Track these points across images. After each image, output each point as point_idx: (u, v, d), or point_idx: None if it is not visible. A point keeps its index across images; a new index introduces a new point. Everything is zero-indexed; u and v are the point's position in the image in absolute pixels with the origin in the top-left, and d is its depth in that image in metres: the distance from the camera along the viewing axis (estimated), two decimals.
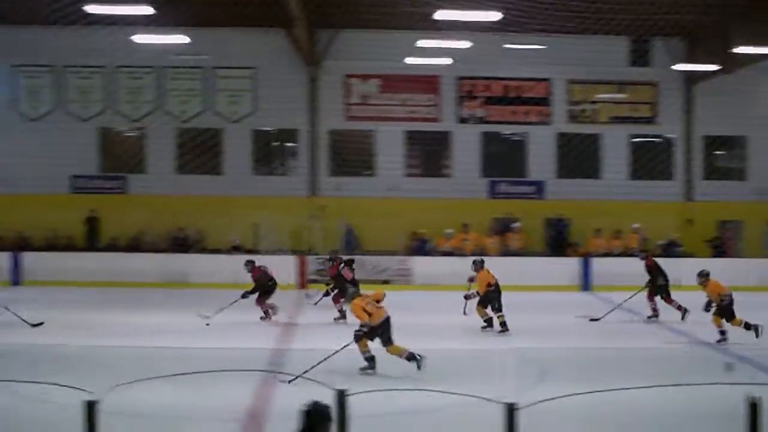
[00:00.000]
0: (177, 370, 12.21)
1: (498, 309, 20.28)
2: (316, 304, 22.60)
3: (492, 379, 12.75)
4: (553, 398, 9.09)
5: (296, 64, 31.37)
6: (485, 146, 32.43)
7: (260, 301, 21.56)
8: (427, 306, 23.94)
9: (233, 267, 24.36)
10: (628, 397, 11.67)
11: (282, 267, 27.20)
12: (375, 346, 15.42)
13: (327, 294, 22.22)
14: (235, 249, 29.13)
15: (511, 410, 7.90)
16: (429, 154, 33.01)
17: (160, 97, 32.08)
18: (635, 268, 22.66)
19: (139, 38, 27.15)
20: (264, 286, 21.61)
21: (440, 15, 22.22)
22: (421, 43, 28.00)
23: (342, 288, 21.28)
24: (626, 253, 28.55)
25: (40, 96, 32.12)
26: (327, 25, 30.45)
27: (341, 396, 8.13)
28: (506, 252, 29.62)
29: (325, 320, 21.25)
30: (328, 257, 23.57)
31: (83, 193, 31.69)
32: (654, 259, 22.98)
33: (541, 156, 32.41)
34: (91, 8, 22.15)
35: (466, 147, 32.25)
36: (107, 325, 20.34)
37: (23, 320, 19.66)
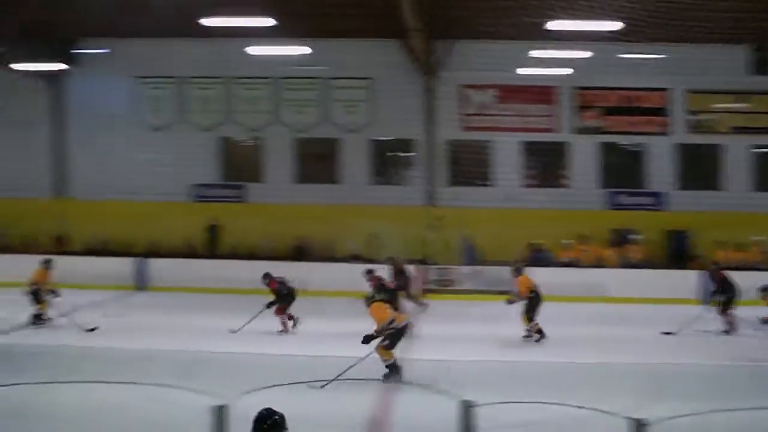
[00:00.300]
0: (300, 377, 12.32)
1: (531, 317, 20.19)
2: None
3: (609, 392, 12.58)
4: (687, 415, 8.94)
5: (412, 75, 31.45)
6: (603, 157, 32.05)
7: (279, 312, 21.23)
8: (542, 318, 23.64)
9: (351, 276, 24.52)
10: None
11: None
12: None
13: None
14: (354, 258, 29.28)
15: (640, 426, 7.75)
16: (546, 164, 32.75)
17: (278, 108, 32.49)
18: (758, 281, 22.08)
19: (258, 50, 27.53)
20: (282, 297, 21.32)
21: (554, 25, 22.06)
22: (537, 53, 27.83)
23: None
24: (748, 267, 27.85)
25: (163, 106, 32.85)
26: (443, 36, 30.42)
27: (467, 407, 8.12)
28: (625, 264, 29.21)
29: (446, 331, 21.18)
30: (366, 270, 22.27)
31: (203, 201, 32.28)
32: (724, 272, 22.44)
33: (660, 167, 31.86)
34: (212, 21, 22.51)
35: (583, 157, 31.92)
36: (228, 331, 20.61)
37: (78, 326, 19.99)
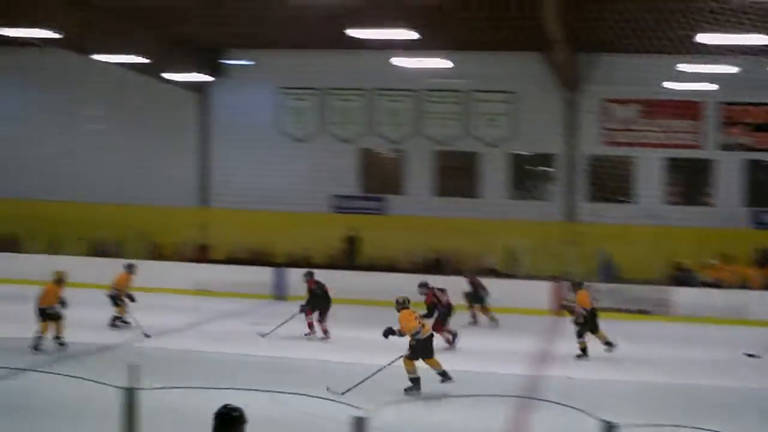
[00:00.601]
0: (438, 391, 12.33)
1: (581, 335, 19.84)
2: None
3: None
4: None
5: (554, 88, 31.13)
6: (748, 174, 31.18)
7: (310, 314, 21.33)
8: (681, 340, 23.07)
9: (489, 290, 24.47)
10: None
11: (536, 292, 27.18)
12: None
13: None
14: (490, 272, 29.15)
15: None
16: (689, 181, 32.05)
17: (418, 120, 32.59)
18: None
19: (400, 62, 27.68)
20: (316, 298, 21.37)
21: (703, 38, 21.57)
22: (683, 67, 27.28)
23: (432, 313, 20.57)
24: None
25: (305, 117, 33.30)
26: (586, 49, 29.96)
27: (609, 429, 7.95)
28: None
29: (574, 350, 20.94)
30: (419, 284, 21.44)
31: (343, 212, 32.58)
32: None
33: None
34: (355, 32, 22.73)
35: (728, 175, 31.07)
36: (367, 343, 20.72)
37: (140, 329, 20.66)
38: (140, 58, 27.17)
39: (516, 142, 31.90)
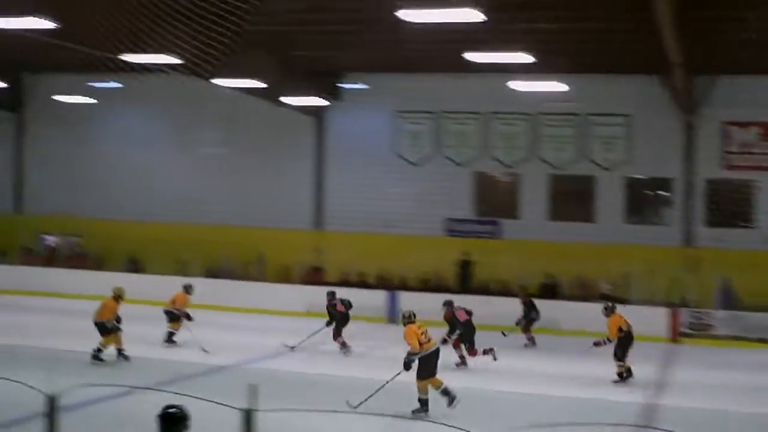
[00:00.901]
0: (557, 418, 12.22)
1: (620, 357, 19.62)
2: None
3: None
4: None
5: (672, 111, 30.63)
6: None
7: (336, 333, 22.77)
8: None
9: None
10: None
11: (653, 319, 26.73)
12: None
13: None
14: (604, 297, 28.78)
15: None
16: None
17: (534, 144, 32.41)
18: None
19: (517, 85, 27.61)
20: (335, 317, 22.79)
21: None
22: None
23: (453, 329, 21.06)
24: None
25: (420, 141, 33.40)
26: (705, 72, 29.42)
27: None
28: None
29: (705, 378, 20.52)
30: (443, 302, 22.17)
31: (456, 236, 32.54)
32: None
33: None
34: (473, 56, 22.76)
35: None
36: (482, 369, 20.70)
37: (199, 346, 21.32)
38: (259, 82, 27.59)
39: (632, 166, 31.48)
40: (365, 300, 28.93)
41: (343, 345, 22.59)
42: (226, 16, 17.19)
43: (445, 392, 15.39)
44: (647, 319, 26.46)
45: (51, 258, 36.38)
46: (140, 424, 7.51)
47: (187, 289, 23.25)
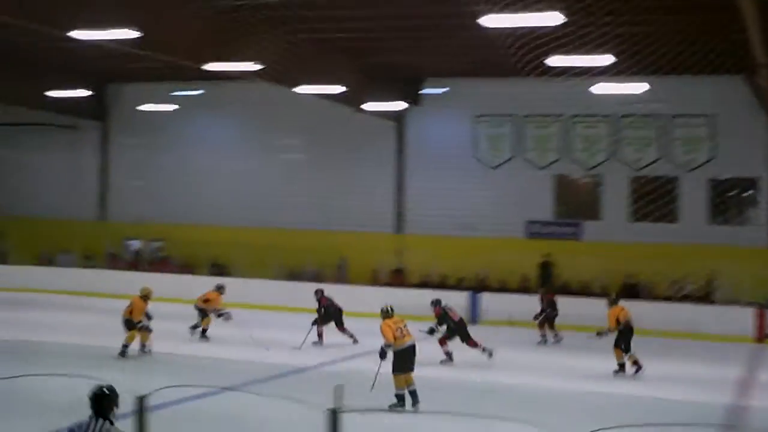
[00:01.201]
0: (646, 419, 12.19)
1: (626, 350, 19.75)
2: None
3: None
4: None
5: (756, 111, 30.29)
6: None
7: (340, 329, 23.44)
8: None
9: (688, 316, 23.98)
10: None
11: (739, 319, 26.49)
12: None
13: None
14: (686, 297, 28.59)
15: None
16: None
17: (614, 145, 32.27)
18: None
19: (598, 88, 27.48)
20: (322, 313, 23.42)
21: None
22: None
23: (448, 329, 21.29)
24: None
25: (500, 145, 33.44)
26: None
27: None
28: None
29: None
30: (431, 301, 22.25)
31: (538, 237, 32.54)
32: None
33: None
34: (554, 60, 22.75)
35: None
36: (554, 368, 20.72)
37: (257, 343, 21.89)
38: (340, 88, 27.84)
39: (715, 167, 31.19)
40: (447, 301, 29.03)
41: (320, 336, 23.27)
42: (306, 25, 17.40)
43: (413, 393, 15.44)
44: (733, 320, 26.33)
45: (135, 262, 37.11)
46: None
47: (220, 289, 24.09)
